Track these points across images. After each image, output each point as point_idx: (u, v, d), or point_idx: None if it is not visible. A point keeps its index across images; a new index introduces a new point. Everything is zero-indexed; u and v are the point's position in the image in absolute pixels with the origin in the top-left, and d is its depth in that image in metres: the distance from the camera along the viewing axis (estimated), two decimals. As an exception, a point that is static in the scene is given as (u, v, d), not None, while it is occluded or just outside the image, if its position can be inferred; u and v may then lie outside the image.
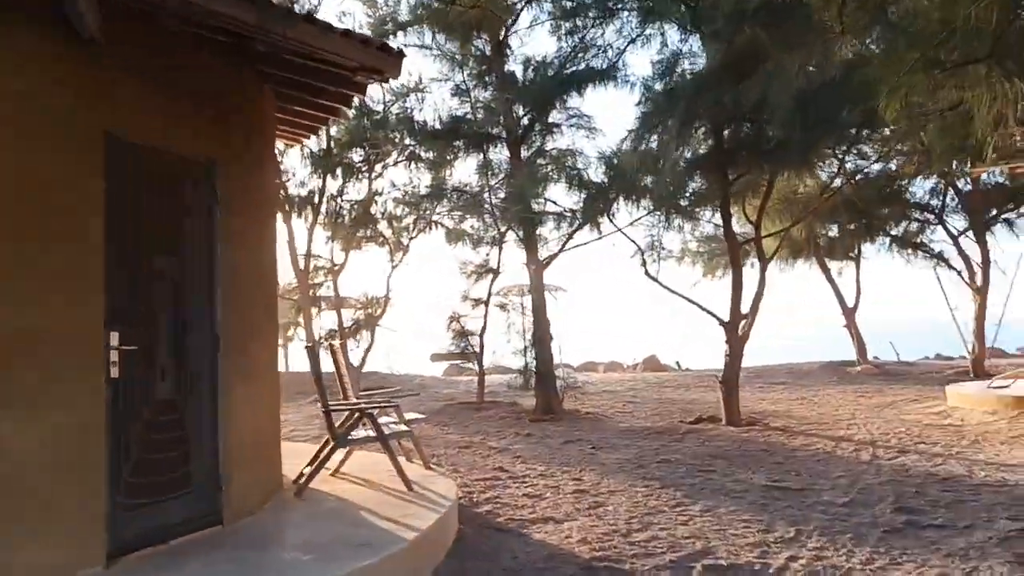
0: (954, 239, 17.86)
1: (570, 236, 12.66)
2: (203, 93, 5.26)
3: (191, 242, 5.14)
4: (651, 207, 12.22)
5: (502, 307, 13.60)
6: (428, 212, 15.88)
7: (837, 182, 14.12)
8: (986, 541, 5.38)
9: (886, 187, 16.68)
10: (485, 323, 14.22)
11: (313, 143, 16.95)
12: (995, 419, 10.41)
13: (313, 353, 6.38)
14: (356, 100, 7.07)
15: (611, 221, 12.20)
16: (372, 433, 6.35)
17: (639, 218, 12.00)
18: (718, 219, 13.09)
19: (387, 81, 5.25)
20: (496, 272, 14.14)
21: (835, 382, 17.17)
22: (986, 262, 16.98)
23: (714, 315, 10.88)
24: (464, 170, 42.65)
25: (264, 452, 5.86)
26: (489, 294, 14.16)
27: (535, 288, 12.59)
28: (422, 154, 15.03)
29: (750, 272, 21.63)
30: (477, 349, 14.40)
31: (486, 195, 13.71)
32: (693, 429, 10.65)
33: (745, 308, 11.33)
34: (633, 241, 11.61)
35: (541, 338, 12.49)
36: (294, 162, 27.25)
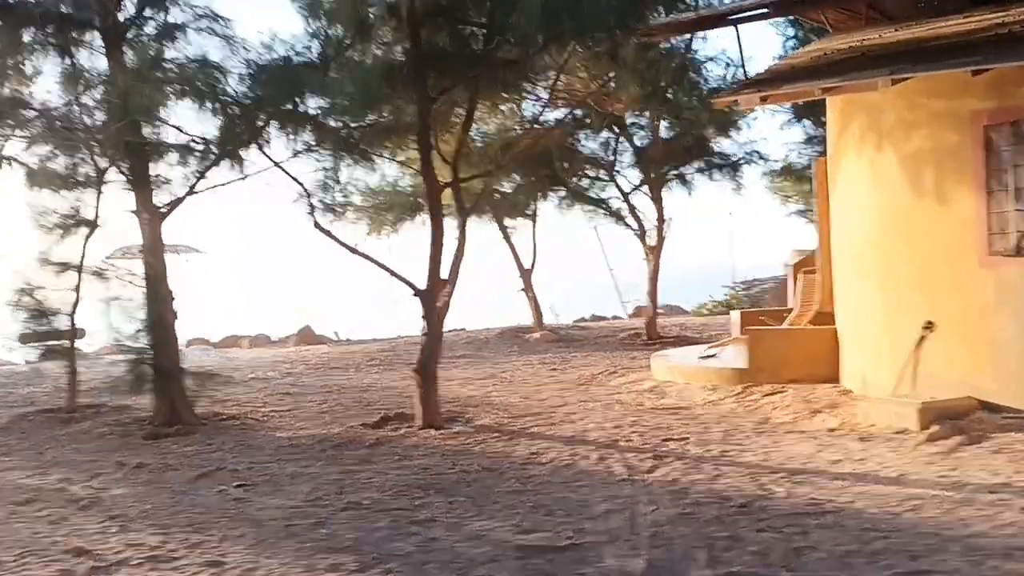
0: (625, 196, 17.07)
1: (202, 174, 9.11)
2: None
3: None
4: (314, 140, 9.15)
5: (98, 274, 9.58)
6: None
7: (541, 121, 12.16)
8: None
9: (570, 137, 15.26)
10: (78, 297, 10.08)
11: None
12: (721, 398, 9.08)
13: None
14: None
15: (264, 153, 8.92)
16: None
17: (299, 152, 8.85)
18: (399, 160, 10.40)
19: None
20: (93, 224, 10.05)
21: (517, 352, 15.55)
22: (661, 219, 16.38)
23: (407, 281, 8.18)
24: (46, 82, 34.49)
25: None
26: (83, 256, 10.03)
27: (150, 247, 8.86)
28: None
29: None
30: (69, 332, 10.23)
31: (76, 113, 9.55)
32: (382, 437, 7.89)
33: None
34: (297, 181, 8.42)
35: (160, 318, 8.84)
36: None
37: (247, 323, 35.87)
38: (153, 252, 8.85)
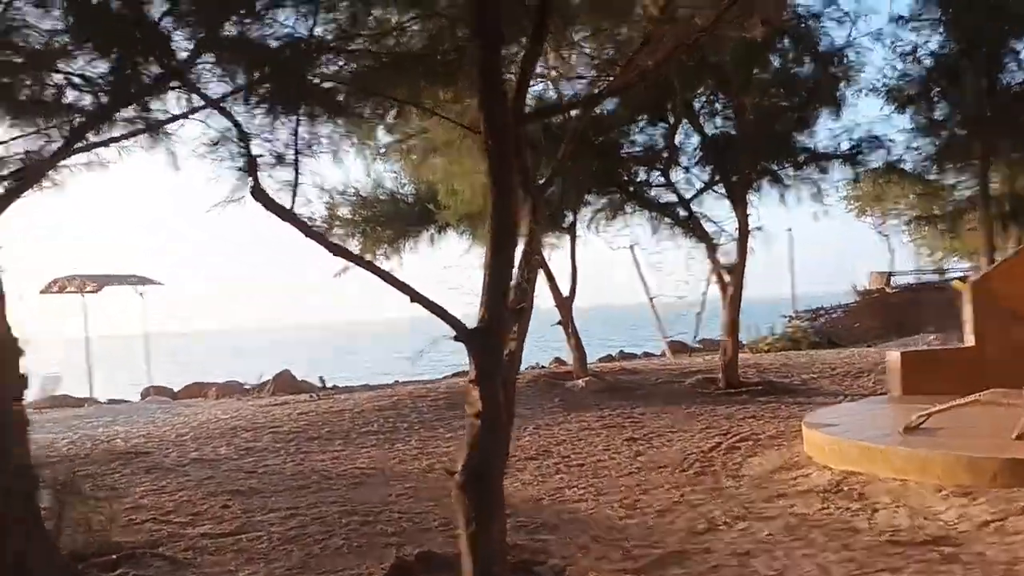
0: (686, 201, 13.16)
1: (77, 132, 5.15)
2: None
3: None
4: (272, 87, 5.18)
5: None
6: None
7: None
8: None
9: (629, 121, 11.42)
10: None
11: None
12: (999, 515, 5.10)
13: None
14: None
15: (195, 92, 4.93)
16: None
17: (233, 91, 4.87)
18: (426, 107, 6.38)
19: None
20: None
21: (562, 408, 11.53)
22: (745, 231, 12.48)
23: (445, 316, 4.17)
24: None
25: None
26: None
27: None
28: None
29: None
30: None
31: None
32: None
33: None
34: (230, 117, 4.27)
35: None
36: None
37: (218, 366, 31.76)
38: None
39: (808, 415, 8.13)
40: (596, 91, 6.55)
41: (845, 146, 12.11)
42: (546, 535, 5.40)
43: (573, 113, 11.06)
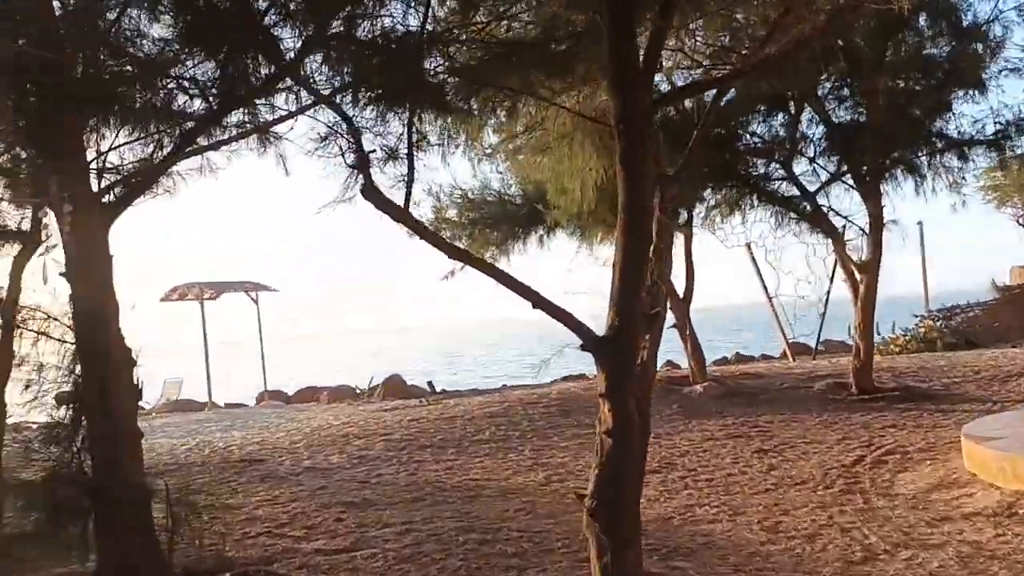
0: (809, 194, 12.24)
1: (187, 137, 5.02)
2: None
3: None
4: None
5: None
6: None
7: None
8: None
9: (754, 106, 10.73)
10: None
11: None
12: None
13: None
14: None
15: (306, 87, 4.69)
16: None
17: (342, 88, 4.59)
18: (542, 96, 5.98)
19: None
20: (34, 241, 6.09)
21: (681, 415, 10.93)
22: (878, 225, 11.55)
23: (571, 322, 3.76)
24: None
25: None
26: (15, 289, 6.06)
27: (81, 266, 4.75)
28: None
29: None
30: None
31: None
32: None
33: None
34: (347, 118, 3.92)
35: (102, 396, 4.71)
36: None
37: (328, 369, 32.38)
38: (89, 276, 4.75)
39: (967, 426, 7.31)
40: (734, 69, 5.95)
41: (989, 130, 11.01)
42: (682, 561, 4.92)
43: (688, 104, 10.55)
